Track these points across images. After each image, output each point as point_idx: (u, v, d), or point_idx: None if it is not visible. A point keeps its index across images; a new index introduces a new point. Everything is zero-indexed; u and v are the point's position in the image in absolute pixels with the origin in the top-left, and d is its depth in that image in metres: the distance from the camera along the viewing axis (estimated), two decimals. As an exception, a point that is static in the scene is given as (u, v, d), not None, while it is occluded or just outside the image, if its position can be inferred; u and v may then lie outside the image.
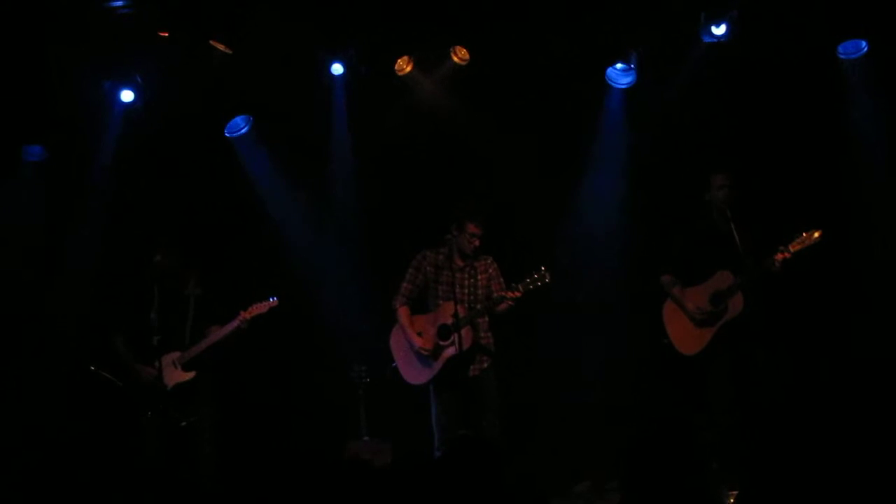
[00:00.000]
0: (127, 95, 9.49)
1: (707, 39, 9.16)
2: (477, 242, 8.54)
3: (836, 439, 8.23)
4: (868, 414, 8.71)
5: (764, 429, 8.17)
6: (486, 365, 8.63)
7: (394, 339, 8.87)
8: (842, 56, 9.33)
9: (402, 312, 8.77)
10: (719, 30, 9.05)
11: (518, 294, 8.34)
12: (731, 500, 4.45)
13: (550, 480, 9.07)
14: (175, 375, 8.64)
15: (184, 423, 8.56)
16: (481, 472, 4.60)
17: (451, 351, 8.45)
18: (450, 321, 8.43)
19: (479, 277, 8.63)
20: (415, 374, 8.74)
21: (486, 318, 8.62)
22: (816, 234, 8.11)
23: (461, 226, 8.51)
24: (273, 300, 8.79)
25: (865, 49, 9.29)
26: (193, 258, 8.90)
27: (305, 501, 4.82)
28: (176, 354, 8.66)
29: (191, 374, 8.69)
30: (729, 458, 7.80)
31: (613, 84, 9.79)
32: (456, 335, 8.35)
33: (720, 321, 8.35)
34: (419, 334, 8.67)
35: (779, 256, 8.11)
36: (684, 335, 8.54)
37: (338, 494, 4.69)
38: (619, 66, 9.67)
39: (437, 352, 8.58)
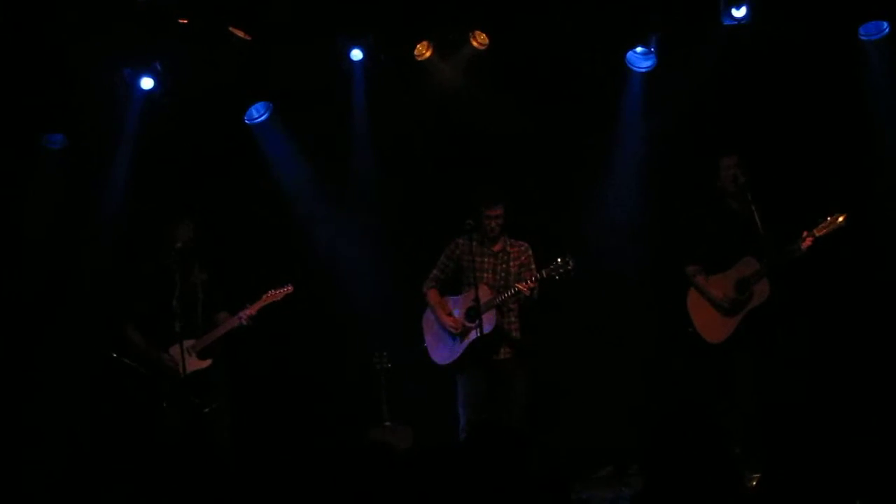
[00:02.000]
0: (147, 83, 9.50)
1: (727, 22, 9.12)
2: (495, 224, 8.60)
3: (858, 424, 8.22)
4: (891, 400, 8.69)
5: (786, 414, 8.15)
6: (514, 350, 8.65)
7: (425, 320, 8.94)
8: (863, 37, 9.29)
9: (432, 294, 8.86)
10: (739, 12, 9.02)
11: (531, 285, 8.39)
12: (754, 484, 4.44)
13: (573, 465, 9.08)
14: (192, 363, 8.64)
15: (207, 410, 8.57)
16: (503, 456, 4.60)
17: (475, 333, 8.45)
18: (478, 303, 8.43)
19: (512, 263, 8.65)
20: (442, 353, 8.80)
21: (517, 305, 8.65)
22: (841, 219, 8.05)
23: (478, 211, 8.59)
24: (288, 287, 8.78)
25: (887, 30, 9.24)
26: (203, 244, 8.89)
27: (327, 487, 4.83)
28: (191, 342, 8.67)
29: (207, 362, 8.70)
30: (751, 443, 7.78)
31: (634, 68, 9.76)
32: (483, 317, 8.39)
33: (746, 308, 8.29)
34: (449, 315, 8.75)
35: (805, 243, 8.06)
36: (710, 323, 8.48)
37: (360, 479, 4.70)
38: (639, 49, 9.64)
39: (463, 332, 8.63)
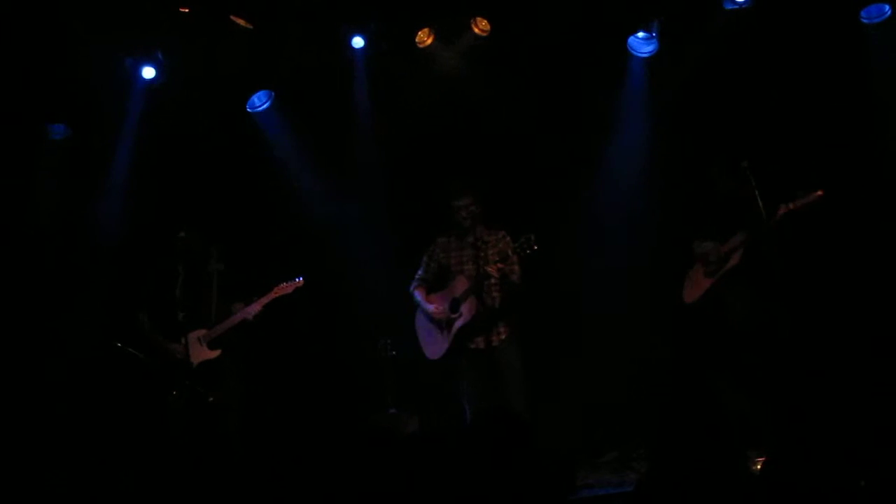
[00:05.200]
0: (148, 72, 9.48)
1: (728, 6, 9.12)
2: (465, 213, 8.73)
3: (862, 406, 8.23)
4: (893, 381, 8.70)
5: (791, 395, 8.17)
6: (504, 336, 8.71)
7: (416, 321, 9.07)
8: (865, 20, 9.28)
9: (418, 292, 9.03)
10: (740, -5, 9.03)
11: (500, 266, 8.48)
12: (758, 467, 4.45)
13: (577, 450, 9.10)
14: (201, 353, 8.67)
15: (211, 399, 8.58)
16: (508, 442, 4.61)
17: (459, 322, 8.67)
18: (459, 294, 8.68)
19: (490, 252, 8.66)
20: (433, 349, 8.92)
21: (499, 292, 8.71)
22: (819, 193, 8.16)
23: (448, 206, 8.78)
24: (299, 280, 8.80)
25: (889, 13, 9.22)
26: (216, 234, 8.92)
27: (332, 473, 4.86)
28: (202, 332, 8.70)
29: (216, 353, 8.72)
30: (755, 424, 7.81)
31: (635, 53, 9.75)
32: (463, 306, 8.63)
33: (721, 270, 8.58)
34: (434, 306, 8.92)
35: (780, 210, 8.15)
36: (691, 287, 8.81)
37: (364, 465, 4.72)
38: (640, 34, 9.64)
39: (448, 322, 8.78)
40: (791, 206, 8.18)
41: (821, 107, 9.39)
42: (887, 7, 9.20)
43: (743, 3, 9.05)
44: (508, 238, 8.74)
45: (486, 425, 4.73)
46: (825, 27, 9.19)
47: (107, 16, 8.97)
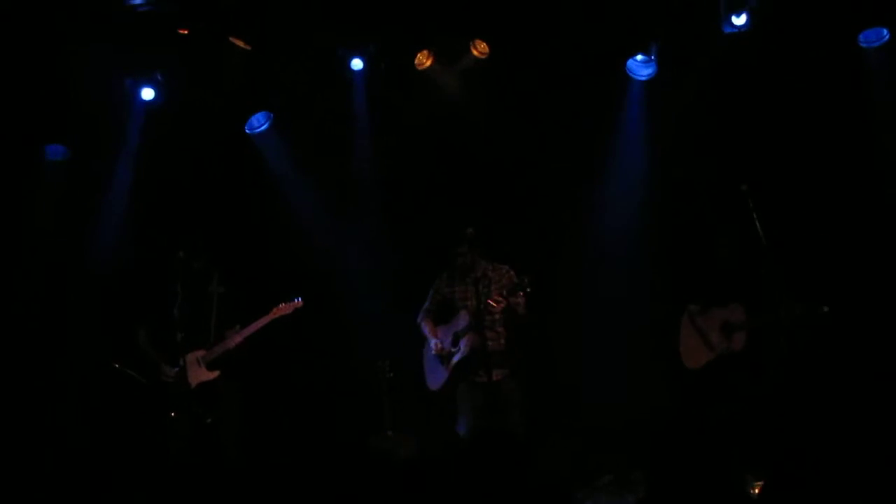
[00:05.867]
0: (148, 93, 9.51)
1: (728, 30, 9.13)
2: (461, 260, 8.87)
3: (859, 431, 8.21)
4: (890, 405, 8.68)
5: (787, 418, 8.16)
6: (506, 371, 8.79)
7: (424, 351, 9.23)
8: (863, 44, 9.29)
9: (424, 325, 9.19)
10: (740, 20, 9.01)
11: (500, 300, 8.57)
12: (756, 491, 4.43)
13: (574, 473, 9.08)
14: (199, 374, 8.67)
15: (209, 420, 8.58)
16: (504, 464, 4.60)
17: (457, 357, 8.84)
18: (460, 328, 8.81)
19: (493, 287, 8.76)
20: (434, 379, 9.11)
21: (503, 326, 8.81)
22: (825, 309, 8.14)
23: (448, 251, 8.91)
24: (298, 301, 8.82)
25: (887, 37, 9.24)
26: (217, 256, 8.92)
27: (330, 495, 4.84)
28: (200, 353, 8.70)
29: (215, 374, 8.71)
30: (752, 447, 7.79)
31: (634, 76, 9.76)
32: (462, 341, 8.77)
33: (722, 349, 8.61)
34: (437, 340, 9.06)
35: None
36: (692, 350, 8.82)
37: (361, 488, 4.70)
38: (639, 57, 9.65)
39: (447, 356, 8.93)
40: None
41: (819, 130, 9.38)
42: (885, 31, 9.21)
43: (742, 26, 9.06)
44: (512, 273, 8.83)
45: (483, 447, 4.72)
46: (824, 51, 9.19)
47: (106, 37, 8.99)
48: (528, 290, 8.44)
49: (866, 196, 9.25)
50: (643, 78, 9.75)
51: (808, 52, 9.20)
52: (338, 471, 4.91)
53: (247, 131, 10.17)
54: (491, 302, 8.55)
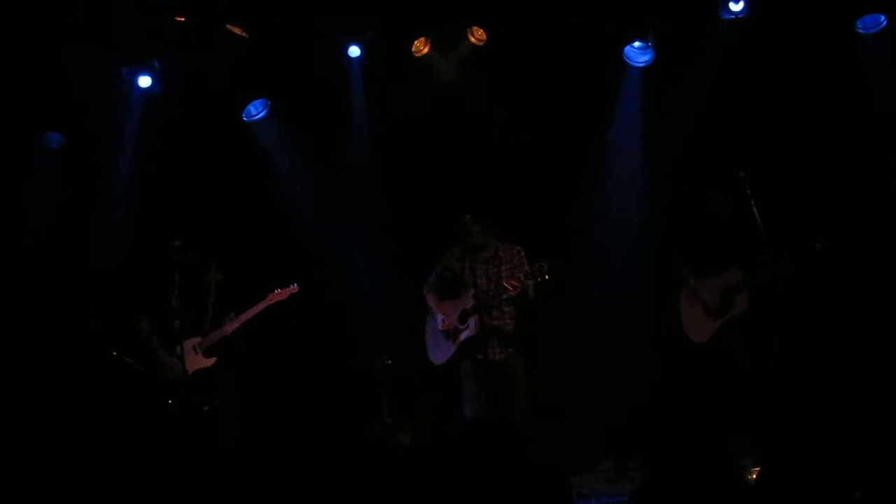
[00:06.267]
0: (145, 81, 9.49)
1: (725, 16, 9.13)
2: (475, 237, 8.81)
3: (857, 417, 8.22)
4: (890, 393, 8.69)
5: (785, 405, 8.17)
6: (510, 350, 8.79)
7: (426, 325, 9.20)
8: (860, 30, 9.28)
9: (430, 297, 9.15)
10: (737, 6, 9.03)
11: (516, 284, 8.55)
12: (754, 476, 4.45)
13: (573, 460, 9.08)
14: (196, 361, 8.69)
15: (206, 408, 8.59)
16: (504, 451, 4.61)
17: (465, 334, 8.79)
18: (469, 306, 8.73)
19: (504, 268, 8.80)
20: (438, 355, 9.05)
21: (511, 307, 8.79)
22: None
23: (461, 225, 8.81)
24: (294, 286, 8.85)
25: (885, 23, 9.23)
26: (214, 244, 8.93)
27: (328, 483, 4.84)
28: (197, 340, 8.72)
29: (211, 360, 8.74)
30: (751, 435, 7.81)
31: (631, 62, 9.75)
32: (471, 320, 8.71)
33: (727, 315, 8.54)
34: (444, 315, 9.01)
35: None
36: (695, 323, 8.78)
37: (360, 475, 4.71)
38: (636, 44, 9.64)
39: (455, 333, 8.88)
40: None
41: (817, 116, 9.39)
42: (883, 17, 9.20)
43: (739, 12, 9.05)
44: (523, 254, 8.85)
45: (482, 435, 4.73)
46: (821, 37, 9.19)
47: (103, 25, 8.98)
48: (547, 276, 8.40)
49: (863, 181, 9.24)
50: (641, 65, 9.74)
51: (806, 39, 9.19)
52: (337, 458, 4.92)
53: (244, 119, 10.16)
54: (506, 285, 8.55)
